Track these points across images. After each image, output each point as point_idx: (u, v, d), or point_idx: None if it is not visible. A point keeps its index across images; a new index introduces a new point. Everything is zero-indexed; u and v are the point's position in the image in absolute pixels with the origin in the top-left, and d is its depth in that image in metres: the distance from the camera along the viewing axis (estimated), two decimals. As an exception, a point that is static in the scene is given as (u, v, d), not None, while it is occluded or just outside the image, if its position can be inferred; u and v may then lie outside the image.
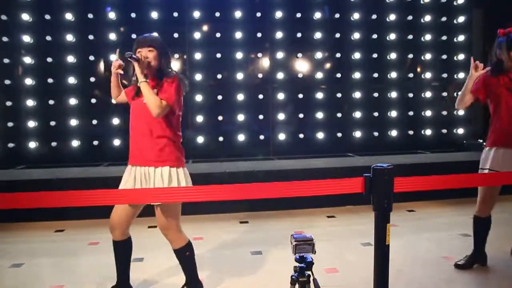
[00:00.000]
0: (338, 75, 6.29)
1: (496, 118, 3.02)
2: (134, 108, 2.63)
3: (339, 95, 6.30)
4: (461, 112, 6.55)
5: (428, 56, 6.46)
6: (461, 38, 6.49)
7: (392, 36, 6.32)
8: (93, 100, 5.76)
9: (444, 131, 6.58)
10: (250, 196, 1.95)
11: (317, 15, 6.15)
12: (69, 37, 5.67)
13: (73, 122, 5.76)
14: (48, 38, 5.65)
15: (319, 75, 6.25)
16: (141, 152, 2.57)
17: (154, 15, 5.82)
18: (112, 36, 5.72)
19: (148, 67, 2.53)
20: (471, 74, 2.94)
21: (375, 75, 6.35)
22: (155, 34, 2.74)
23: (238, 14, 5.99)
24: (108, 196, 2.15)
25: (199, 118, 6.03)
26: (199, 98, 6.01)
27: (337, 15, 6.22)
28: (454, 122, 6.62)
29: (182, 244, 2.66)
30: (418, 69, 6.56)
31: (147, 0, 5.82)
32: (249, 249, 3.64)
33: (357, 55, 6.26)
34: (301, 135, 6.25)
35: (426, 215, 4.60)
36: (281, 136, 6.21)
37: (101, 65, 5.81)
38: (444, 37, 6.47)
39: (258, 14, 6.07)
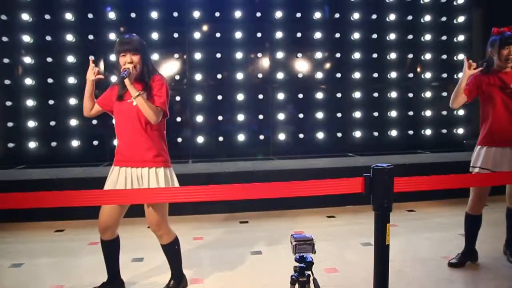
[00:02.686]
0: (338, 75, 6.29)
1: (487, 117, 3.03)
2: (122, 111, 2.61)
3: (339, 95, 6.30)
4: (461, 112, 6.55)
5: (428, 56, 6.46)
6: (461, 38, 6.49)
7: (392, 36, 6.32)
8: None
9: (444, 131, 6.58)
10: (250, 196, 1.96)
11: (317, 15, 6.15)
12: (69, 37, 5.67)
13: (73, 122, 5.75)
14: (48, 38, 5.65)
15: (319, 75, 6.25)
16: (135, 153, 2.56)
17: (154, 15, 5.81)
18: (112, 36, 5.71)
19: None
20: (465, 72, 2.93)
21: (375, 75, 6.35)
22: (134, 35, 2.63)
23: (238, 14, 5.99)
24: (108, 196, 2.16)
25: (199, 118, 6.03)
26: (199, 98, 6.01)
27: (337, 15, 6.22)
28: (454, 122, 6.62)
29: (172, 238, 2.73)
30: (418, 69, 6.56)
31: (147, 0, 5.82)
32: (249, 249, 3.64)
33: (357, 55, 6.26)
34: (301, 135, 6.25)
35: (426, 215, 4.60)
36: (281, 136, 6.21)
37: (101, 65, 5.80)
38: (444, 37, 6.47)
39: (258, 14, 6.06)
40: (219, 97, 6.05)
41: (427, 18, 6.41)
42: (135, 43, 2.57)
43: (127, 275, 3.09)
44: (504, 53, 2.94)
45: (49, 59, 5.67)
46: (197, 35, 5.97)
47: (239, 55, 6.03)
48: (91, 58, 2.76)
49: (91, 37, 5.71)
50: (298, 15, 6.13)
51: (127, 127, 2.59)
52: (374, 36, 6.30)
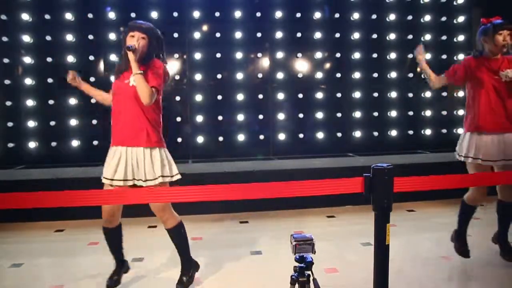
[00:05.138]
0: (338, 75, 6.29)
1: (477, 103, 3.03)
2: (119, 90, 2.65)
3: (339, 95, 6.30)
4: (461, 112, 6.54)
5: (428, 56, 6.45)
6: (461, 38, 6.49)
7: (392, 36, 6.32)
8: (93, 100, 5.74)
9: (444, 131, 6.58)
10: (250, 196, 1.96)
11: (317, 15, 6.15)
12: (69, 37, 5.67)
13: (73, 122, 5.75)
14: (48, 38, 5.65)
15: (319, 75, 6.24)
16: (130, 133, 2.59)
17: (154, 15, 5.81)
18: (112, 36, 5.71)
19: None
20: (420, 60, 3.24)
21: (375, 75, 6.34)
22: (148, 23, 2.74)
23: (238, 14, 5.98)
24: (108, 196, 2.16)
25: (199, 118, 6.02)
26: (199, 98, 6.01)
27: (337, 15, 6.22)
28: (454, 122, 6.61)
29: (177, 222, 2.78)
30: (418, 69, 6.54)
31: (147, 0, 5.82)
32: (249, 249, 3.64)
33: (357, 55, 6.26)
34: (301, 135, 6.24)
35: (426, 215, 4.60)
36: (281, 136, 6.21)
37: (101, 65, 5.80)
38: (444, 37, 6.47)
39: (258, 14, 6.06)
40: (219, 97, 6.05)
41: (427, 18, 6.40)
42: (145, 26, 2.65)
43: (127, 275, 3.09)
44: (499, 39, 2.96)
45: (49, 59, 5.66)
46: (197, 35, 5.97)
47: (239, 55, 6.02)
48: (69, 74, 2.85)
49: (91, 37, 5.71)
50: (298, 15, 6.12)
51: (123, 106, 2.62)
52: (374, 36, 6.29)
